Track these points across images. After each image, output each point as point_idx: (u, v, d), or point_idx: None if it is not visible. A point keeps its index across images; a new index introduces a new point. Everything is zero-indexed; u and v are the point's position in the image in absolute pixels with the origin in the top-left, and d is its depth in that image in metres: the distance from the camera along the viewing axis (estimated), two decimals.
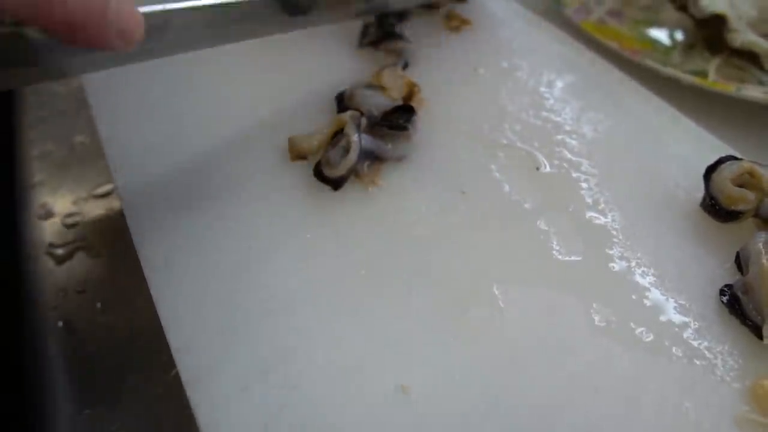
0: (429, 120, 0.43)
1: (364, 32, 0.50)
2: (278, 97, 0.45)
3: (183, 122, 0.44)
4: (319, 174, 0.38)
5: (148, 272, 0.35)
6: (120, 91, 0.47)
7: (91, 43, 0.27)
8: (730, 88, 0.46)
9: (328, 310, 0.33)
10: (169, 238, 0.36)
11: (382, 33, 0.48)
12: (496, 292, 0.33)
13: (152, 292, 0.34)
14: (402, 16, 0.50)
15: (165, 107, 0.45)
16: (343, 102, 0.43)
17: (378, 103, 0.42)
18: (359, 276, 0.34)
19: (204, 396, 0.30)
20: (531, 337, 0.32)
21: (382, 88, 0.43)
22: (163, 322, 0.33)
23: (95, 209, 0.50)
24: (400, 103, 0.42)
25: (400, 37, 0.48)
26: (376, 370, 0.30)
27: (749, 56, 0.48)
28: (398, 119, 0.40)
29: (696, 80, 0.47)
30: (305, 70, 0.47)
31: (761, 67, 0.48)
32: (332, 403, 0.29)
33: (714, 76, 0.48)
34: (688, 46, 0.51)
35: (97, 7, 0.26)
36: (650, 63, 0.49)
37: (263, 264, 0.35)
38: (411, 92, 0.44)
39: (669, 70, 0.48)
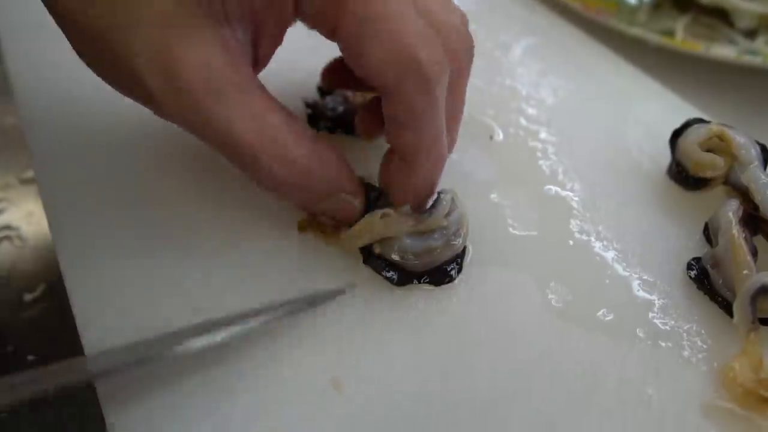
0: None
1: None
2: None
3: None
4: None
5: (64, 266, 0.31)
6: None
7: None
8: (699, 47, 0.43)
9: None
10: (87, 231, 0.32)
11: None
12: None
13: (67, 287, 0.31)
14: None
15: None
16: None
17: None
18: (294, 262, 0.31)
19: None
20: (481, 321, 0.29)
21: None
22: (80, 328, 0.30)
23: (22, 195, 0.46)
24: None
25: None
26: (308, 364, 0.27)
27: (719, 14, 0.45)
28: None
29: (663, 40, 0.44)
30: None
31: (731, 25, 0.45)
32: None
33: (682, 35, 0.45)
34: (655, 6, 0.48)
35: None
36: (615, 23, 0.46)
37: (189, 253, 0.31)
38: None
39: (635, 30, 0.45)
